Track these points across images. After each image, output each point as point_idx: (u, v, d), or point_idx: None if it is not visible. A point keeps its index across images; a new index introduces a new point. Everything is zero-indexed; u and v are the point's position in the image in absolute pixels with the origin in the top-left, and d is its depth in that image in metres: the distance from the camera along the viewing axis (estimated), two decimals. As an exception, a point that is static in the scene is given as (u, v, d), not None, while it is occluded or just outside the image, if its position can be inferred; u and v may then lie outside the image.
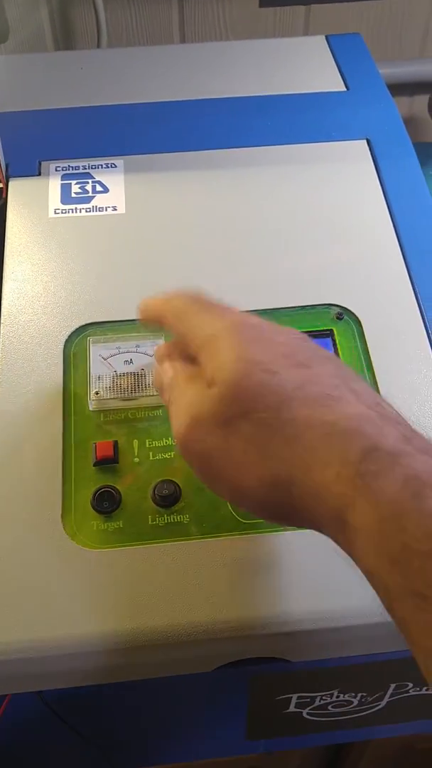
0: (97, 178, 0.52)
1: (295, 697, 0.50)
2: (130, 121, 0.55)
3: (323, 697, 0.50)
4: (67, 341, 0.44)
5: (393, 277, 0.47)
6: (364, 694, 0.51)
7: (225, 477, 0.29)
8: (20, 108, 0.56)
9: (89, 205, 0.50)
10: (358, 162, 0.53)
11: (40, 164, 0.52)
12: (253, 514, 0.31)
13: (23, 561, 0.37)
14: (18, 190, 0.51)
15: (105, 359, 0.43)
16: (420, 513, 0.23)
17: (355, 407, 0.27)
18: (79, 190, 0.51)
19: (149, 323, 0.35)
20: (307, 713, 0.53)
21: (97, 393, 0.42)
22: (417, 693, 0.51)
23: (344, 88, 0.59)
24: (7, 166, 0.52)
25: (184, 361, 0.32)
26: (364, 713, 0.54)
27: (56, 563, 0.37)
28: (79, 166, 0.52)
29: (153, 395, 0.41)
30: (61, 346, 0.44)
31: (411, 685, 0.50)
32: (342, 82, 0.59)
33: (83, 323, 0.45)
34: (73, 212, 0.50)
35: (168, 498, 0.38)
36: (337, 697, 0.50)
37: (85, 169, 0.52)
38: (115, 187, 0.51)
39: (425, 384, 0.42)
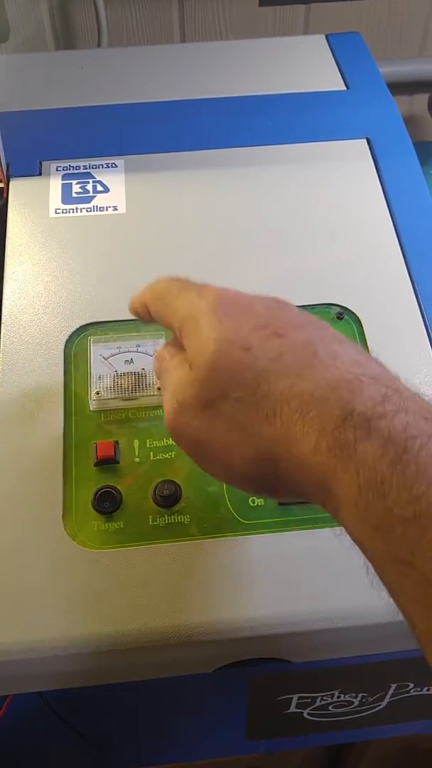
0: (98, 178, 0.52)
1: (295, 697, 0.50)
2: (130, 120, 0.55)
3: (324, 698, 0.50)
4: (67, 341, 0.44)
5: (393, 276, 0.47)
6: (365, 694, 0.51)
7: (215, 459, 0.29)
8: (21, 108, 0.56)
9: (90, 205, 0.50)
10: (358, 161, 0.53)
11: (40, 164, 0.52)
12: (245, 491, 0.31)
13: (24, 561, 0.37)
14: (19, 189, 0.51)
15: (106, 359, 0.43)
16: (400, 478, 0.23)
17: (332, 372, 0.27)
18: (80, 190, 0.51)
19: (138, 314, 0.36)
20: (308, 713, 0.53)
21: (97, 393, 0.41)
22: (418, 693, 0.51)
23: (344, 87, 0.58)
24: (8, 165, 0.52)
25: (177, 345, 0.32)
26: (365, 713, 0.54)
27: (57, 564, 0.37)
28: (79, 166, 0.52)
29: (154, 395, 0.41)
30: (62, 346, 0.44)
31: (412, 685, 0.50)
32: (342, 81, 0.59)
33: (84, 323, 0.45)
34: (73, 212, 0.50)
35: (169, 498, 0.38)
36: (338, 697, 0.50)
37: (86, 168, 0.52)
38: (116, 187, 0.51)
39: (426, 384, 0.42)
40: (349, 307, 0.45)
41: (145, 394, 0.41)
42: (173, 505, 0.39)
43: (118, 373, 0.42)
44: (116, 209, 0.50)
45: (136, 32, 0.82)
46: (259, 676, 0.46)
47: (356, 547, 0.25)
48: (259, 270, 0.47)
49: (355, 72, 0.60)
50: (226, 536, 0.38)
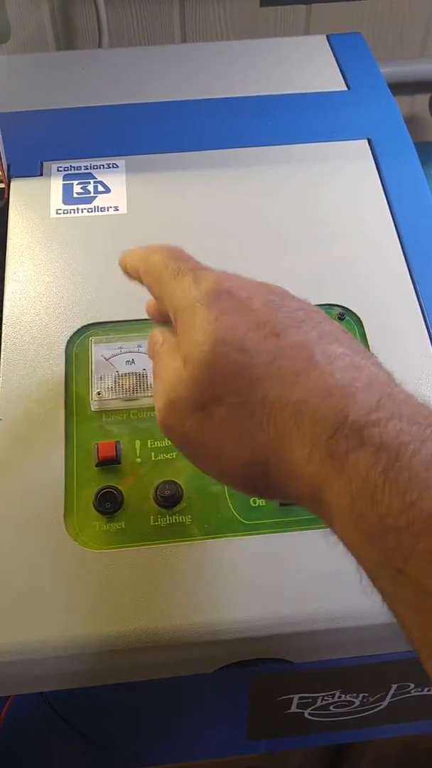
0: (99, 179, 0.52)
1: (296, 697, 0.50)
2: (131, 121, 0.55)
3: (325, 698, 0.50)
4: (69, 341, 0.44)
5: (394, 276, 0.47)
6: (366, 694, 0.51)
7: (207, 458, 0.29)
8: (22, 108, 0.56)
9: (91, 206, 0.50)
10: (359, 161, 0.53)
11: (41, 164, 0.52)
12: (238, 492, 0.32)
13: (26, 562, 0.37)
14: (20, 190, 0.51)
15: (107, 359, 0.43)
16: (393, 486, 0.23)
17: (326, 378, 0.26)
18: (81, 191, 0.51)
19: (127, 273, 0.35)
20: (309, 714, 0.53)
21: (99, 393, 0.42)
22: (419, 693, 0.51)
23: (345, 88, 0.58)
24: (8, 166, 0.52)
25: (171, 328, 0.32)
26: (366, 713, 0.54)
27: (58, 564, 0.37)
28: (80, 167, 0.52)
29: (155, 396, 0.41)
30: (63, 347, 0.44)
31: (413, 685, 0.50)
32: (343, 82, 0.59)
33: (85, 323, 0.45)
34: (74, 212, 0.50)
35: (170, 499, 0.38)
36: (339, 697, 0.50)
37: (87, 169, 0.52)
38: (117, 187, 0.51)
39: (426, 384, 0.42)
40: (350, 308, 0.45)
41: (146, 394, 0.41)
42: (174, 506, 0.39)
43: (120, 373, 0.42)
44: (117, 210, 0.50)
45: (136, 33, 0.82)
46: (260, 677, 0.46)
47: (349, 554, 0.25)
48: (260, 270, 0.47)
49: (356, 72, 0.60)
50: (227, 536, 0.38)
